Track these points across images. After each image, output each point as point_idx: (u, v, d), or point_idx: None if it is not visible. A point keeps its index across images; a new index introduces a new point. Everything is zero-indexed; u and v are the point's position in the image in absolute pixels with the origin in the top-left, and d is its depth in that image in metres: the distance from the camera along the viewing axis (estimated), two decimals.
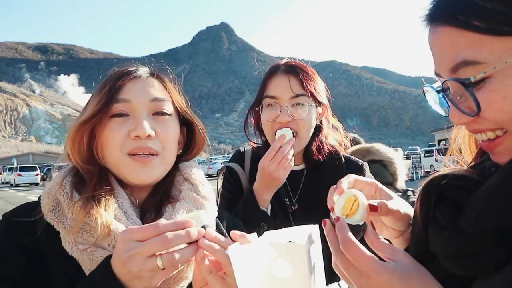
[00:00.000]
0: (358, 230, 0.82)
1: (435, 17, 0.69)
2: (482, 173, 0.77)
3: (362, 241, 0.80)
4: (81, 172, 1.01)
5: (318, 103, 1.62)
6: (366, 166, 1.71)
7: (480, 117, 0.69)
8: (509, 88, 0.65)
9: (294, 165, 1.63)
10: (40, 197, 1.00)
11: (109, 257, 0.82)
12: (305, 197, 1.63)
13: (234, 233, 0.82)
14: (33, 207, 0.99)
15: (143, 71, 1.07)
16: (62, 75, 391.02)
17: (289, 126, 1.54)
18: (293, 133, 1.51)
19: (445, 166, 0.87)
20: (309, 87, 1.56)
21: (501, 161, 0.74)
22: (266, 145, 1.67)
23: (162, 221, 0.77)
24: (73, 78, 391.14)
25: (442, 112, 0.79)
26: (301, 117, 1.55)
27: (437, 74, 0.75)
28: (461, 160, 0.90)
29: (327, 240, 0.84)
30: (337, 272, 0.81)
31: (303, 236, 0.86)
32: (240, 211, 1.53)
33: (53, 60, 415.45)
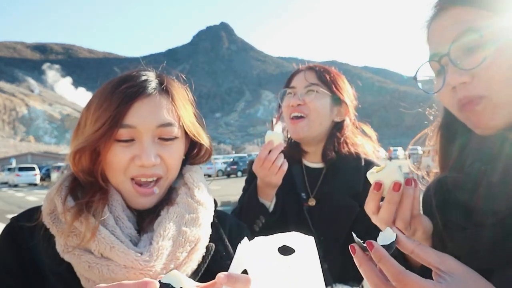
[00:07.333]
0: (392, 246, 0.71)
1: (450, 2, 0.81)
2: (470, 174, 0.81)
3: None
4: (80, 180, 1.01)
5: (337, 99, 1.67)
6: None
7: (474, 79, 0.77)
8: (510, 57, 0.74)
9: (313, 162, 1.72)
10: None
11: None
12: (323, 194, 1.66)
13: (219, 276, 0.67)
14: (35, 211, 1.01)
15: (152, 85, 1.00)
16: (45, 63, 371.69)
17: (300, 109, 1.62)
18: (285, 139, 1.47)
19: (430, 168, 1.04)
20: (323, 77, 1.65)
21: (481, 124, 0.79)
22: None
23: None
24: (57, 68, 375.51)
25: (430, 91, 0.89)
26: (312, 100, 1.61)
27: (433, 55, 0.84)
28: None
29: (360, 271, 0.70)
30: None
31: (294, 245, 0.71)
32: (244, 202, 1.59)
33: (52, 60, 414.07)
